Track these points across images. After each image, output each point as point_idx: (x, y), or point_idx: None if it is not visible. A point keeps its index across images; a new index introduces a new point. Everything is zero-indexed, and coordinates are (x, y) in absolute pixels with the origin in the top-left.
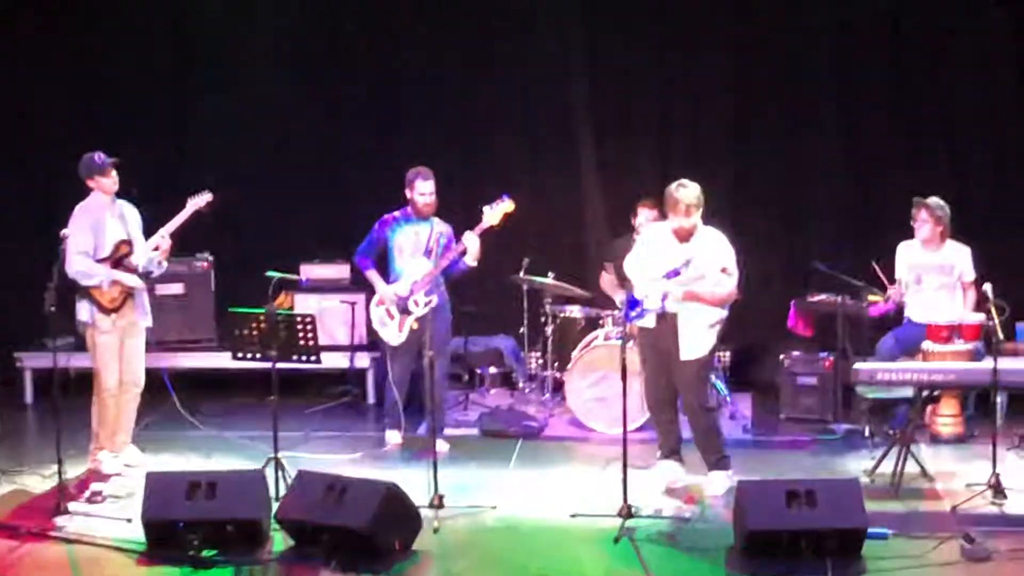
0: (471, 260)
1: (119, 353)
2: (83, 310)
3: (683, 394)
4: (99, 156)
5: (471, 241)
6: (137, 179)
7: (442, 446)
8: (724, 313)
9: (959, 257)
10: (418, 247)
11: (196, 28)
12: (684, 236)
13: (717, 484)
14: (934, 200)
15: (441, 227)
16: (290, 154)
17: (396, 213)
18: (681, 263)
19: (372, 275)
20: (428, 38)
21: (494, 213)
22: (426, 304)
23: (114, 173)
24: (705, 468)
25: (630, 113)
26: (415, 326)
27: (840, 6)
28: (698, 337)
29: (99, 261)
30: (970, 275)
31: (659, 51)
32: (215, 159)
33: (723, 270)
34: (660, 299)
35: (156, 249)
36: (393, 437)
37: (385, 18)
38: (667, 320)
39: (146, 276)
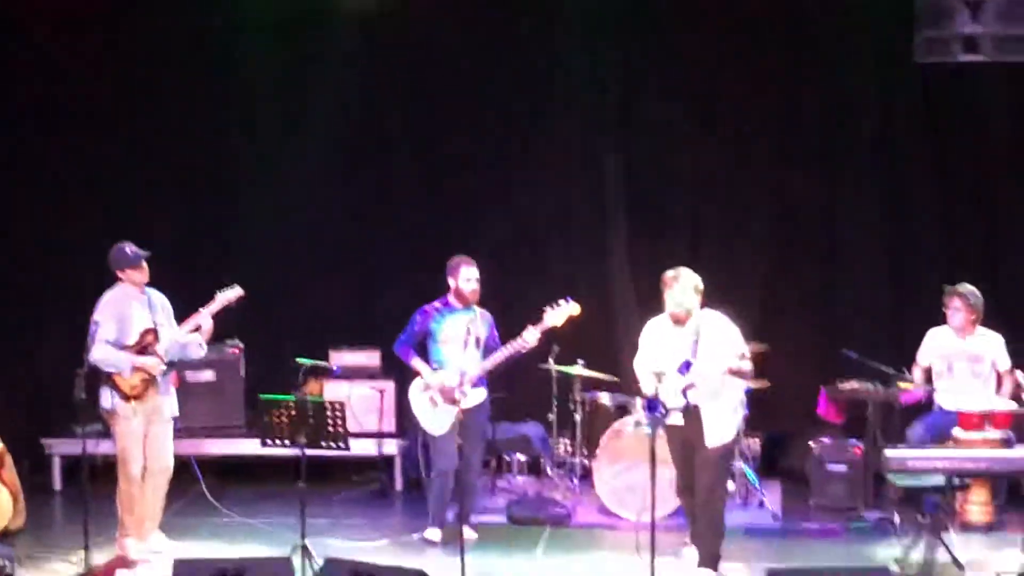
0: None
1: (143, 440)
2: (105, 397)
3: (699, 479)
4: (131, 248)
5: (531, 340)
6: (170, 267)
7: (469, 534)
8: (743, 396)
9: (991, 345)
10: (462, 337)
11: (239, 118)
12: (681, 320)
13: None
14: (967, 287)
15: (483, 316)
16: (320, 241)
17: (436, 303)
18: (690, 354)
19: (418, 363)
20: (465, 130)
21: (557, 315)
22: (474, 397)
23: (144, 265)
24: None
25: (663, 204)
26: (461, 417)
27: (882, 89)
28: (722, 422)
29: (123, 349)
30: (1005, 363)
31: (694, 139)
32: (247, 245)
33: (742, 356)
34: (682, 395)
35: (197, 329)
36: (433, 535)
37: (422, 105)
38: (691, 412)
39: (171, 365)
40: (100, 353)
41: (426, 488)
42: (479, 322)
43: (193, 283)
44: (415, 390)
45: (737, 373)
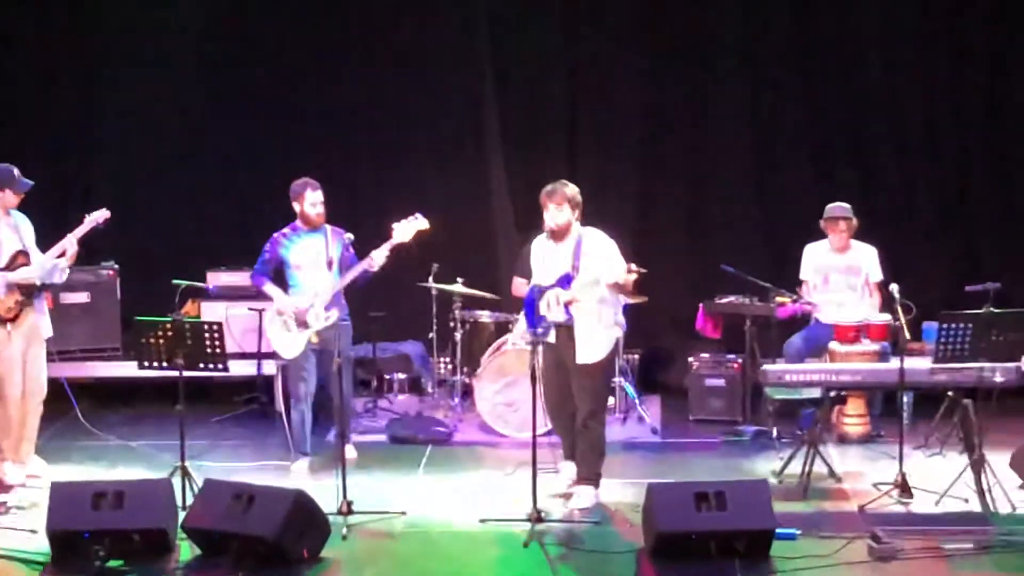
0: (373, 269)
1: (21, 363)
2: None
3: (578, 401)
4: (18, 174)
5: (379, 258)
6: (37, 189)
7: (351, 453)
8: (619, 317)
9: (866, 258)
10: (317, 259)
11: (97, 32)
12: (559, 235)
13: (583, 498)
14: (844, 206)
15: (335, 235)
16: (196, 161)
17: (285, 229)
18: (569, 268)
19: (270, 288)
20: (331, 43)
21: (405, 230)
22: (326, 318)
23: (22, 194)
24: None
25: (537, 119)
26: (314, 339)
27: (748, 11)
28: (593, 340)
29: None
30: (877, 276)
31: (566, 55)
32: (120, 167)
33: (628, 270)
34: (564, 310)
35: (62, 255)
36: (300, 467)
37: (292, 23)
38: (565, 329)
39: (44, 287)
40: None
41: (286, 418)
42: (331, 242)
43: (65, 207)
44: (268, 316)
45: (618, 287)
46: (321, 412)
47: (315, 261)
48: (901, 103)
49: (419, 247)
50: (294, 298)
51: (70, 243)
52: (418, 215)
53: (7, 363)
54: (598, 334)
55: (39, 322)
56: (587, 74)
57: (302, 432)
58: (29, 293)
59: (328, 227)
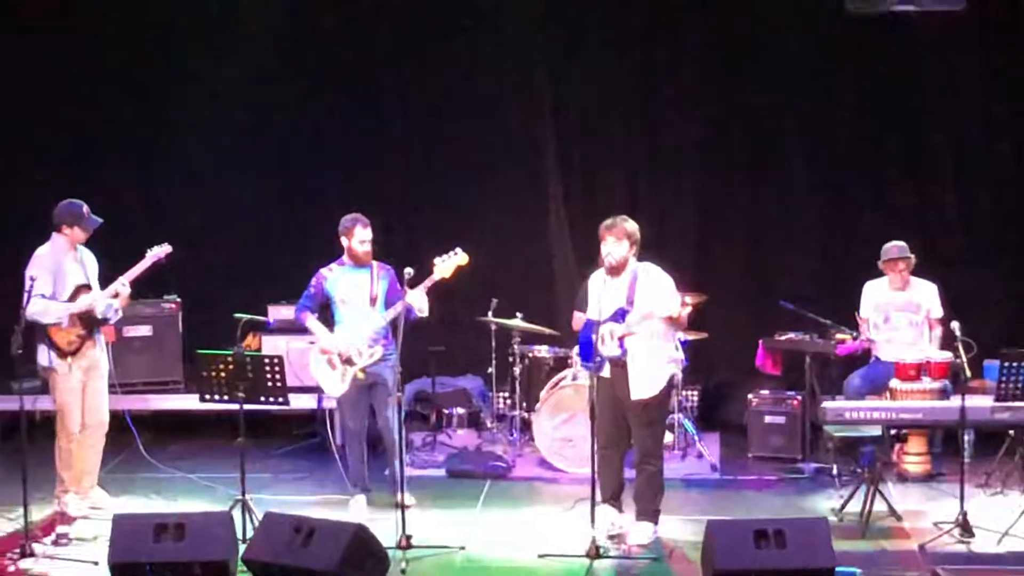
0: (420, 312)
1: (81, 396)
2: (42, 355)
3: (634, 438)
4: (87, 211)
5: (417, 298)
6: (103, 225)
7: (410, 500)
8: (677, 353)
9: (926, 295)
10: (362, 295)
11: (160, 66)
12: (616, 269)
13: (641, 534)
14: (898, 245)
15: (381, 271)
16: (258, 195)
17: (332, 265)
18: (624, 302)
19: (313, 323)
20: (391, 82)
21: (446, 266)
22: (370, 355)
23: (91, 231)
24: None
25: (597, 154)
26: (360, 375)
27: (812, 50)
28: (648, 376)
29: None
30: (938, 312)
31: (626, 89)
32: (182, 202)
33: (682, 303)
34: (618, 344)
35: (115, 296)
36: (358, 502)
37: (353, 56)
38: (620, 366)
39: (103, 321)
40: (36, 307)
41: (338, 454)
42: (376, 279)
43: (128, 241)
44: (313, 354)
45: (672, 322)
46: (379, 446)
47: (360, 297)
48: (961, 134)
49: (478, 282)
50: (338, 335)
51: (122, 285)
52: (458, 250)
53: (68, 395)
54: (653, 370)
55: (99, 356)
56: (647, 108)
57: (359, 467)
58: (90, 327)
59: (375, 264)
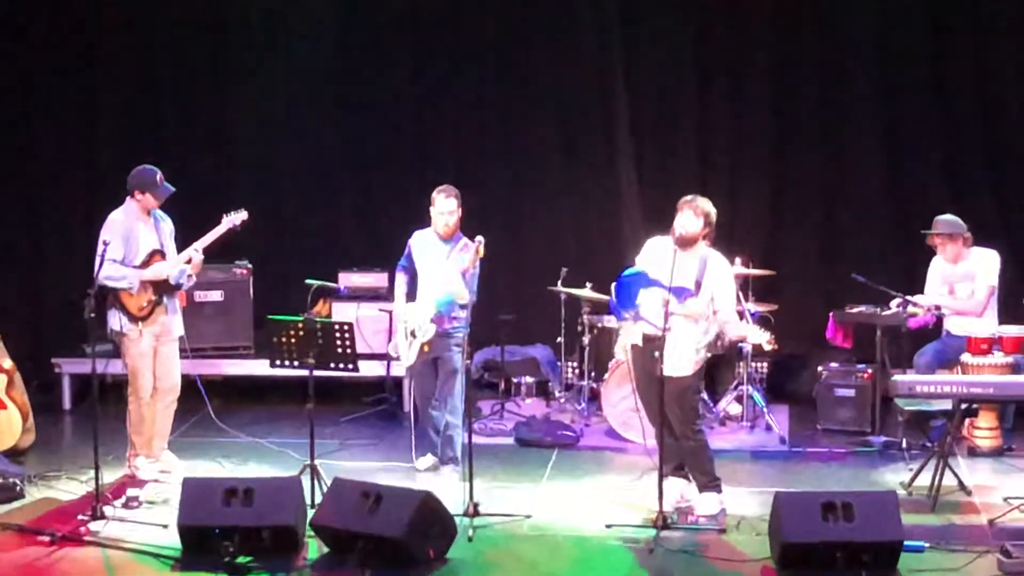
0: (458, 299)
1: (152, 360)
2: (113, 319)
3: (668, 415)
4: (161, 178)
5: (453, 287)
6: (176, 191)
7: (449, 474)
8: (710, 338)
9: (981, 264)
10: (435, 270)
11: (235, 44)
12: (686, 243)
13: (707, 505)
14: (942, 220)
15: (463, 249)
16: (329, 162)
17: (427, 230)
18: (692, 284)
19: (398, 289)
20: (465, 53)
21: (467, 256)
22: (424, 332)
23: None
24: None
25: (669, 127)
26: (426, 350)
27: (882, 24)
28: (682, 356)
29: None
30: (985, 280)
31: (697, 65)
32: (255, 168)
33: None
34: (664, 318)
35: (188, 262)
36: (421, 464)
37: (422, 36)
38: (653, 340)
39: (177, 287)
40: (108, 271)
41: (412, 421)
42: (454, 255)
43: (201, 207)
44: (393, 316)
45: (732, 326)
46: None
47: (434, 270)
48: None
49: (548, 252)
50: (409, 305)
51: (195, 252)
52: (478, 238)
53: (139, 360)
54: (688, 351)
55: (171, 321)
56: (719, 79)
57: (422, 430)
58: (161, 292)
59: (463, 239)
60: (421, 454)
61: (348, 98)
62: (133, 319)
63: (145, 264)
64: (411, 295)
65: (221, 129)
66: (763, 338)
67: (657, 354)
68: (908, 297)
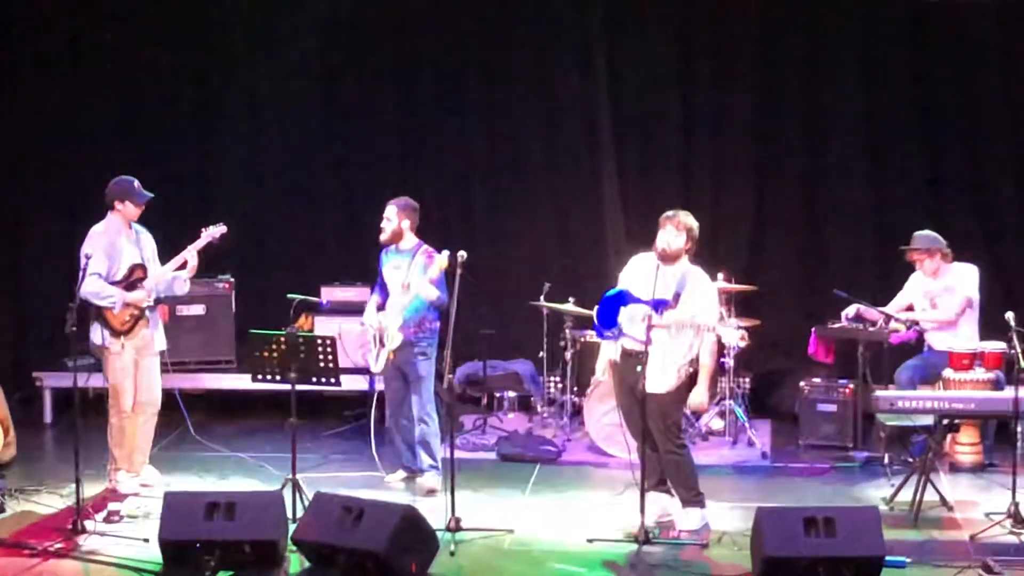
0: (429, 299)
1: (134, 374)
2: (95, 333)
3: (652, 429)
4: (138, 185)
5: (419, 287)
6: (154, 203)
7: (422, 483)
8: (693, 354)
9: (961, 279)
10: (397, 279)
11: (219, 56)
12: (668, 259)
13: (689, 520)
14: (920, 236)
15: (420, 258)
16: (311, 177)
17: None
18: (670, 296)
19: (370, 299)
20: (450, 67)
21: (432, 268)
22: (391, 339)
23: (143, 205)
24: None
25: (652, 141)
26: (391, 358)
27: (865, 40)
28: (665, 371)
29: (113, 284)
30: (964, 292)
31: (680, 78)
32: (237, 182)
33: (708, 329)
34: (645, 331)
35: (182, 267)
36: (395, 478)
37: (406, 49)
38: (634, 356)
39: (159, 301)
40: (91, 287)
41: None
42: (414, 265)
43: (182, 220)
44: (362, 327)
45: (711, 338)
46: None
47: (396, 280)
48: (1017, 119)
49: (531, 266)
50: (381, 314)
51: (191, 255)
52: (443, 252)
53: (121, 374)
54: (670, 367)
55: (152, 335)
56: (702, 95)
57: (399, 447)
58: (142, 308)
59: (423, 249)
60: (391, 470)
61: (331, 113)
62: (115, 333)
63: (127, 277)
64: (384, 307)
65: (204, 144)
66: (735, 336)
67: (640, 368)
68: (890, 312)
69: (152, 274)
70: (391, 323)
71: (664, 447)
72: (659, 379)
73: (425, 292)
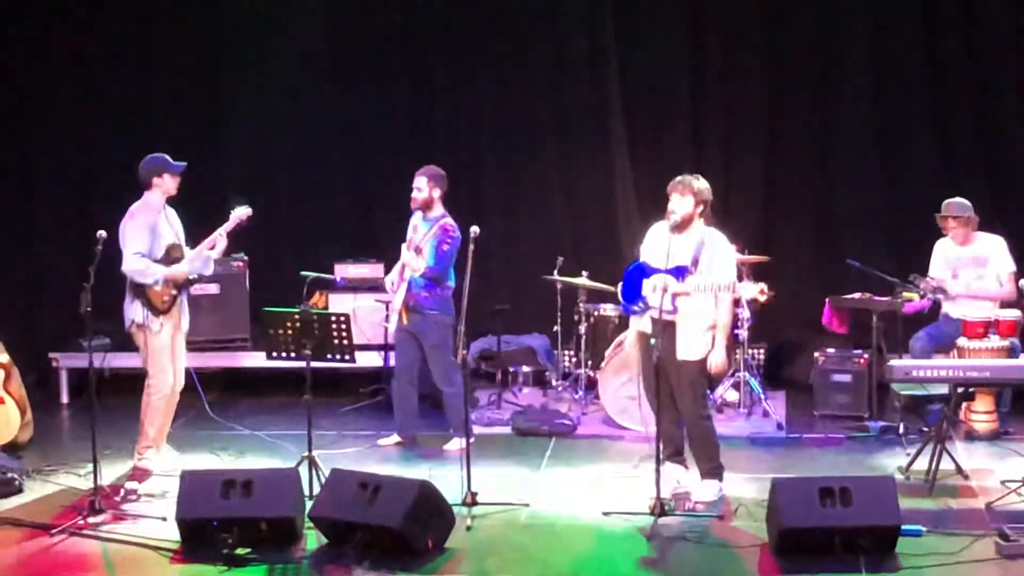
0: (413, 272)
1: (172, 352)
2: (136, 311)
3: (679, 399)
4: (169, 159)
5: (408, 258)
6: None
7: (451, 445)
8: (718, 317)
9: (993, 249)
10: (412, 241)
11: (229, 35)
12: (681, 226)
13: (707, 491)
14: (954, 202)
15: (437, 229)
16: (325, 154)
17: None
18: (688, 262)
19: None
20: (459, 41)
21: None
22: (394, 292)
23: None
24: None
25: (662, 113)
26: (404, 321)
27: (877, 10)
28: (695, 338)
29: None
30: (1005, 267)
31: (690, 49)
32: (250, 161)
33: (725, 288)
34: (671, 300)
35: (212, 247)
36: (385, 440)
37: (416, 23)
38: (661, 325)
39: (194, 280)
40: (136, 264)
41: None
42: (427, 232)
43: (196, 200)
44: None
45: (742, 303)
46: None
47: (411, 242)
48: None
49: (544, 241)
50: (393, 274)
51: (221, 237)
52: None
53: (162, 352)
54: (699, 332)
55: (183, 314)
56: (712, 65)
57: (398, 413)
58: (180, 286)
59: (443, 221)
60: (386, 433)
61: (343, 90)
62: (156, 312)
63: (165, 257)
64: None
65: (216, 122)
66: (754, 290)
67: (654, 341)
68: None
69: (187, 253)
70: (400, 285)
71: (691, 417)
72: (690, 346)
73: (412, 263)
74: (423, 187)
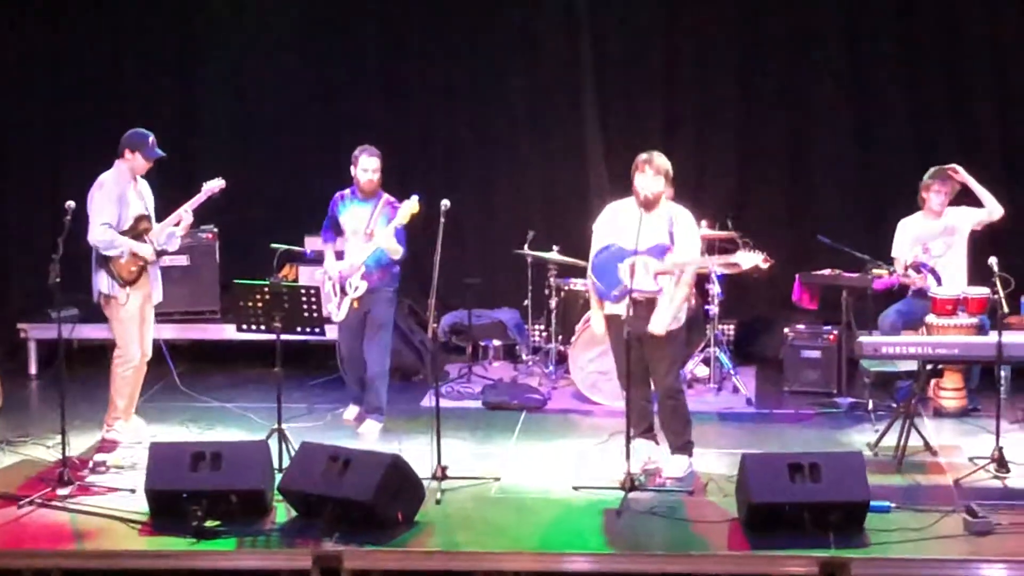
0: (392, 254)
1: (139, 324)
2: (102, 281)
3: (655, 372)
4: (152, 141)
5: (383, 240)
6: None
7: (367, 427)
8: (688, 291)
9: (960, 216)
10: (360, 228)
11: (200, 11)
12: (650, 204)
13: (676, 466)
14: (938, 170)
15: (386, 207)
16: (295, 126)
17: (346, 191)
18: (666, 240)
19: (326, 249)
20: (429, 15)
21: (401, 213)
22: (355, 288)
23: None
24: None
25: (636, 87)
26: (355, 306)
27: None
28: (666, 312)
29: (121, 234)
30: (981, 215)
31: (665, 23)
32: (221, 131)
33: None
34: (653, 279)
35: (178, 224)
36: (351, 412)
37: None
38: (643, 304)
39: (160, 253)
40: (102, 236)
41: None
42: (378, 213)
43: (167, 173)
44: (322, 276)
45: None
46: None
47: (358, 229)
48: (1003, 68)
49: (515, 215)
50: (339, 263)
51: (186, 212)
52: (413, 196)
53: (129, 323)
54: (671, 305)
55: (153, 286)
56: (685, 40)
57: (357, 393)
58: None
59: (384, 198)
60: (345, 406)
61: (314, 63)
62: (123, 282)
63: (133, 228)
64: (340, 255)
65: (187, 92)
66: (756, 259)
67: (624, 317)
68: (926, 264)
69: (155, 225)
70: (354, 272)
71: (666, 390)
72: (663, 318)
73: (390, 246)
74: (378, 169)
